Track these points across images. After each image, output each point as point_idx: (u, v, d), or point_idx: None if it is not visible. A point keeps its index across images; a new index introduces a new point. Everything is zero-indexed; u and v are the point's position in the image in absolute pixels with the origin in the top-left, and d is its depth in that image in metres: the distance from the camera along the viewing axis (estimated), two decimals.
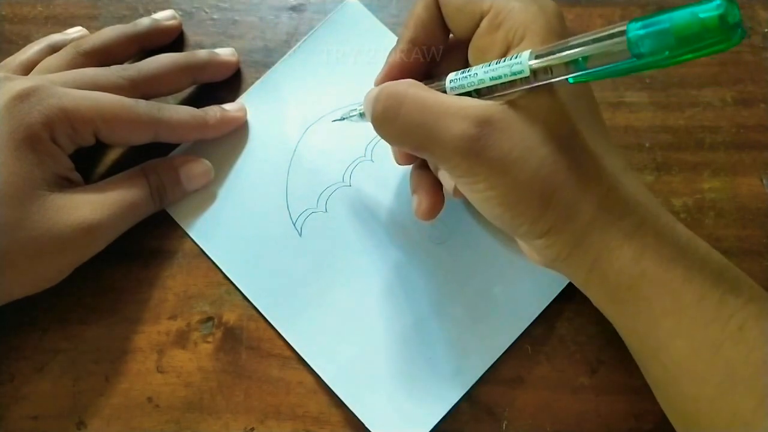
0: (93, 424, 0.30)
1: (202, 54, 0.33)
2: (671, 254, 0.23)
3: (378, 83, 0.27)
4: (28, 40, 0.35)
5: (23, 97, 0.27)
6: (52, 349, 0.31)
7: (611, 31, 0.19)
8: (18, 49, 0.33)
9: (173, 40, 0.35)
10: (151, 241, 0.32)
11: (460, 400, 0.30)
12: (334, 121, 0.32)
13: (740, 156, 0.33)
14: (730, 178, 0.33)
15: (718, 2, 0.16)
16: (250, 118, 0.34)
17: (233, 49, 0.35)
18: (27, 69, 0.31)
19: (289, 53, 0.35)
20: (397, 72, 0.27)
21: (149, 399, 0.30)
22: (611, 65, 0.19)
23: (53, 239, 0.27)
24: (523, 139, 0.22)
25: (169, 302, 0.32)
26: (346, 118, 0.30)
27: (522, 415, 0.30)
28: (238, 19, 0.36)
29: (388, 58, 0.27)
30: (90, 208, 0.28)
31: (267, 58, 0.35)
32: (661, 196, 0.32)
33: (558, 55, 0.20)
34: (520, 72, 0.21)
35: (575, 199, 0.23)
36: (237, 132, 0.34)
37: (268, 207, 0.33)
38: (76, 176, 0.30)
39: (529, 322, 0.30)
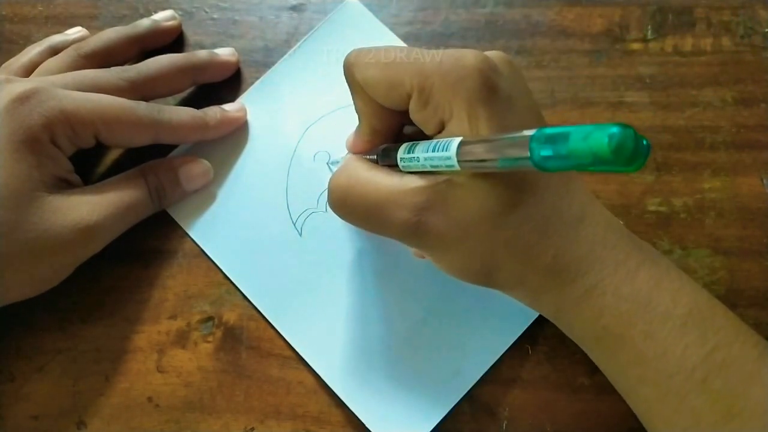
0: (93, 423, 0.30)
1: (202, 54, 0.33)
2: (630, 311, 0.23)
3: (347, 148, 0.29)
4: (28, 40, 0.35)
5: (23, 99, 0.27)
6: (52, 349, 0.31)
7: (518, 145, 0.18)
8: (19, 49, 0.33)
9: (173, 40, 0.35)
10: (151, 241, 0.32)
11: (460, 400, 0.30)
12: (329, 164, 0.33)
13: (740, 156, 0.33)
14: (730, 178, 0.33)
15: (612, 131, 0.15)
16: (250, 118, 0.34)
17: (233, 49, 0.35)
18: (28, 71, 0.31)
19: (288, 53, 0.35)
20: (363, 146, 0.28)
21: (149, 399, 0.30)
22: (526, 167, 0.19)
23: (51, 240, 0.27)
24: (459, 220, 0.23)
25: (169, 302, 0.32)
26: (334, 164, 0.33)
27: (522, 415, 0.30)
28: (238, 18, 0.36)
29: (355, 134, 0.28)
30: (88, 209, 0.28)
31: (267, 58, 0.35)
32: (661, 196, 0.32)
33: (478, 155, 0.21)
34: (452, 166, 0.22)
35: (518, 270, 0.24)
36: (237, 132, 0.34)
37: (268, 207, 0.33)
38: (75, 178, 0.30)
39: (529, 323, 0.30)
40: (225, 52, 0.34)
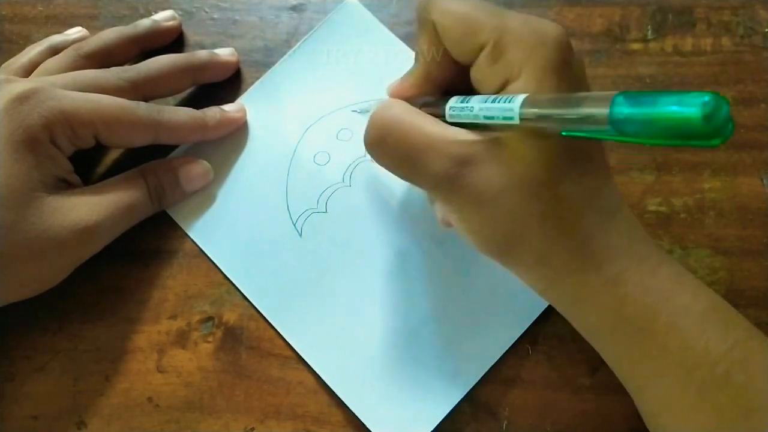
0: (93, 423, 0.30)
1: (202, 54, 0.33)
2: (653, 303, 0.23)
3: (389, 93, 0.28)
4: (28, 40, 0.35)
5: (23, 99, 0.27)
6: (52, 349, 0.31)
7: (599, 100, 0.18)
8: (18, 49, 0.33)
9: (173, 40, 0.35)
10: (151, 241, 0.32)
11: (460, 400, 0.30)
12: (353, 111, 0.32)
13: (740, 156, 0.33)
14: (730, 178, 0.33)
15: (705, 99, 0.15)
16: (249, 118, 0.34)
17: (233, 49, 0.35)
18: (28, 71, 0.31)
19: (288, 53, 0.35)
20: (410, 90, 0.27)
21: (149, 399, 0.30)
22: (597, 132, 0.18)
23: (50, 241, 0.27)
24: (498, 182, 0.23)
25: (169, 302, 0.32)
26: (363, 113, 0.31)
27: (522, 415, 0.30)
28: (238, 18, 0.36)
29: (404, 77, 0.27)
30: (87, 209, 0.28)
31: (267, 58, 0.35)
32: (661, 196, 0.32)
33: (546, 111, 0.20)
34: (511, 119, 0.21)
35: (544, 247, 0.23)
36: (237, 133, 0.34)
37: (268, 207, 0.33)
38: (74, 178, 0.30)
39: (530, 323, 0.30)
40: (225, 52, 0.34)
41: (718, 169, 0.33)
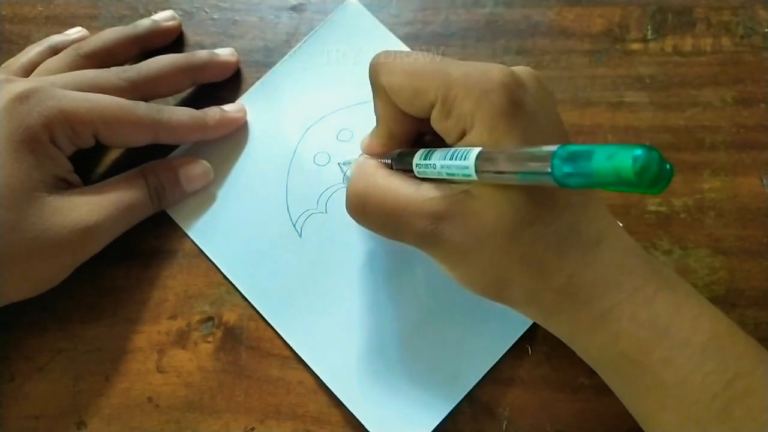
0: (93, 424, 0.30)
1: (201, 54, 0.33)
2: (648, 337, 0.23)
3: (362, 149, 0.29)
4: (28, 40, 0.35)
5: (23, 98, 0.27)
6: (52, 349, 0.31)
7: (540, 159, 0.18)
8: (18, 49, 0.33)
9: (173, 40, 0.35)
10: (151, 241, 0.32)
11: (460, 401, 0.30)
12: (339, 164, 0.33)
13: (740, 156, 0.33)
14: (730, 178, 0.33)
15: (636, 153, 0.15)
16: (249, 119, 0.34)
17: (233, 49, 0.35)
18: (28, 71, 0.31)
19: (289, 54, 0.35)
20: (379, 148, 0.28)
21: (149, 399, 0.30)
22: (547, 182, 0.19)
23: (49, 241, 0.27)
24: (474, 233, 0.23)
25: (169, 302, 0.32)
26: (346, 165, 0.33)
27: (522, 415, 0.30)
28: (238, 19, 0.36)
29: (371, 136, 0.28)
30: (87, 209, 0.28)
31: (267, 58, 0.35)
32: (660, 196, 0.32)
33: (499, 167, 0.21)
34: (469, 176, 0.22)
35: (531, 287, 0.24)
36: (237, 133, 0.34)
37: (268, 208, 0.33)
38: (74, 178, 0.30)
39: (530, 324, 0.30)
40: (225, 53, 0.34)
41: (718, 169, 0.33)
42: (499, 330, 0.30)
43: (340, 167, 0.33)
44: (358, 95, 0.34)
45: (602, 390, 0.30)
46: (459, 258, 0.24)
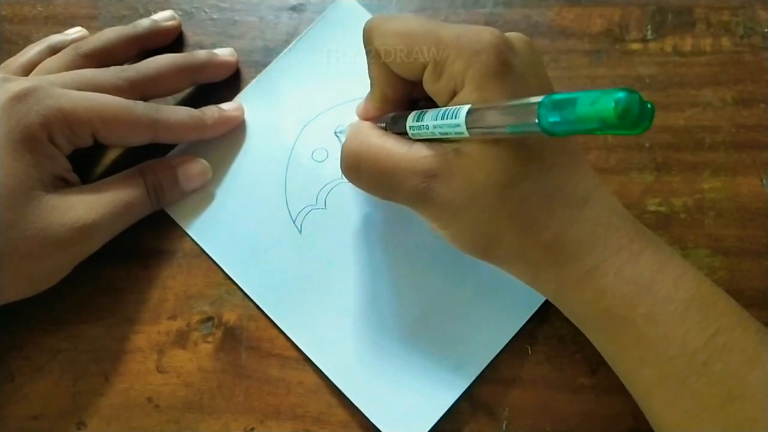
0: (93, 424, 0.30)
1: (201, 54, 0.33)
2: (632, 293, 0.23)
3: (357, 114, 0.30)
4: (28, 40, 0.35)
5: (21, 97, 0.27)
6: (52, 349, 0.31)
7: (527, 110, 0.19)
8: (18, 49, 0.33)
9: (173, 40, 0.35)
10: (151, 241, 0.32)
11: (461, 396, 0.30)
12: (335, 132, 0.34)
13: (740, 156, 0.33)
14: (730, 178, 0.33)
15: (617, 96, 0.16)
16: (247, 116, 0.34)
17: (232, 49, 0.35)
18: (27, 70, 0.31)
19: (284, 51, 0.35)
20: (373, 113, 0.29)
21: (149, 399, 0.30)
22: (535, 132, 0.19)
23: (48, 239, 0.27)
24: (465, 190, 0.24)
25: (169, 302, 0.32)
26: (341, 133, 0.33)
27: (522, 415, 0.30)
28: (238, 19, 0.36)
29: (366, 101, 0.29)
30: (85, 207, 0.28)
31: (267, 58, 0.35)
32: (660, 196, 0.32)
33: (487, 121, 0.21)
34: (461, 133, 0.22)
35: (519, 244, 0.24)
36: (235, 131, 0.34)
37: (267, 205, 0.33)
38: (73, 177, 0.30)
39: (529, 316, 0.30)
40: (224, 53, 0.34)
41: (717, 169, 0.33)
42: (499, 322, 0.31)
43: (336, 135, 0.33)
44: (354, 91, 0.34)
45: (602, 390, 0.30)
46: (450, 216, 0.25)
